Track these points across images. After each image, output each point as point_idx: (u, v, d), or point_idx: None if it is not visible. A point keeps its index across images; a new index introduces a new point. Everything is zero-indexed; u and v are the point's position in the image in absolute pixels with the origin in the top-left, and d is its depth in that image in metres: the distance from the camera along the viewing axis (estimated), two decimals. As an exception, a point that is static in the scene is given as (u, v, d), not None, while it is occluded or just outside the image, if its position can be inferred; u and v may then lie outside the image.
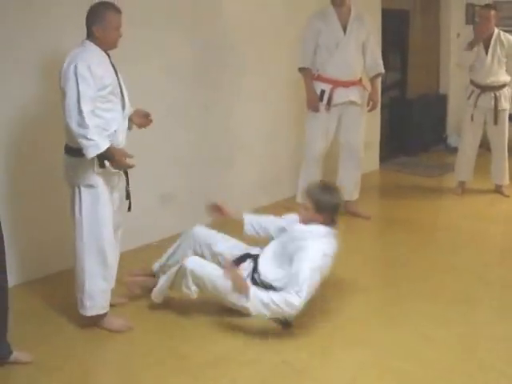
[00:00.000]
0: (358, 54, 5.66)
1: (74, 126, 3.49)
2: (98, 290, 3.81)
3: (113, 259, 3.93)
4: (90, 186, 3.71)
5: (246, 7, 5.98)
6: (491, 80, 6.58)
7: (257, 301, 3.69)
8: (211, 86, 5.74)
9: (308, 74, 5.74)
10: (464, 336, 3.83)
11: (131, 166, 3.72)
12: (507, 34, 6.62)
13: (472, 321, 4.04)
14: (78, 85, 3.49)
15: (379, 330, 3.92)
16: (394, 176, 7.90)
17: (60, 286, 4.50)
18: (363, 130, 5.95)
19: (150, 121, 4.07)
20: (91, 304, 3.82)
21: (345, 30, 5.61)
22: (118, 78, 3.80)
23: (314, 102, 5.70)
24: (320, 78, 5.68)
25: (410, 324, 3.99)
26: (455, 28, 9.41)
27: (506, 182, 6.96)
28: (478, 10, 6.68)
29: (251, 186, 6.25)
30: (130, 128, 3.99)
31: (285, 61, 6.31)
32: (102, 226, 3.76)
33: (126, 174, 3.90)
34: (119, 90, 3.80)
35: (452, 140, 9.39)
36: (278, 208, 5.86)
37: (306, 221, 4.05)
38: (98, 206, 3.75)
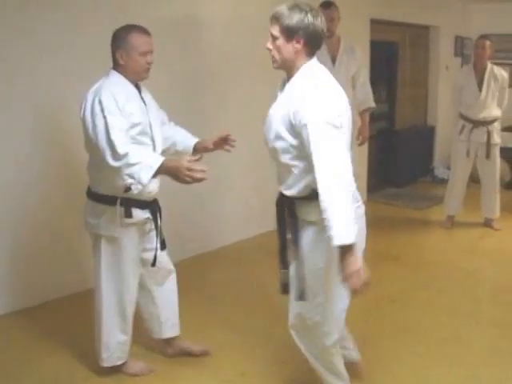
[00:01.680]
0: (347, 87, 5.47)
1: (110, 161, 3.07)
2: (115, 341, 3.59)
3: (132, 311, 3.63)
4: (113, 238, 3.39)
5: (227, 38, 5.91)
6: (484, 115, 6.58)
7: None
8: (194, 118, 5.62)
9: (296, 107, 5.57)
10: (456, 378, 3.72)
11: (202, 179, 3.03)
12: (499, 68, 6.66)
13: (463, 362, 3.92)
14: (105, 118, 3.09)
15: (370, 369, 3.76)
16: (382, 208, 7.85)
17: (43, 318, 4.41)
18: (354, 163, 5.83)
19: (230, 141, 3.72)
20: (107, 355, 3.61)
21: (334, 61, 5.46)
22: (148, 116, 3.38)
23: None
24: (308, 112, 5.51)
25: (401, 364, 3.88)
26: (444, 60, 9.51)
27: (497, 215, 6.92)
28: (475, 41, 6.68)
29: (236, 218, 6.15)
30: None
31: (270, 91, 6.22)
32: (123, 279, 3.49)
33: (156, 219, 3.50)
34: (150, 129, 3.36)
35: (439, 172, 9.39)
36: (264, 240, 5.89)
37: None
38: (121, 258, 3.45)
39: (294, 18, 2.80)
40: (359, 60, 5.69)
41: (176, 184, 3.09)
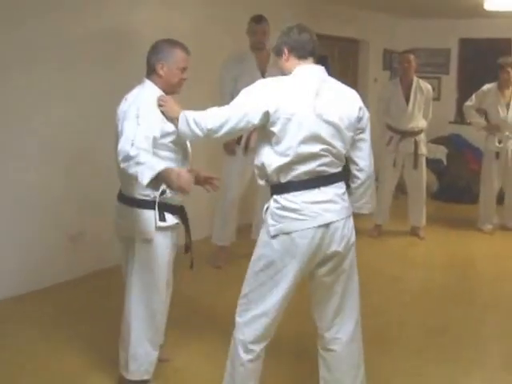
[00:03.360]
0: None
1: (122, 158, 3.01)
2: (143, 353, 3.46)
3: (163, 322, 3.59)
4: (147, 242, 3.34)
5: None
6: (411, 126, 6.79)
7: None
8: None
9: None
10: (379, 372, 3.84)
11: (186, 190, 3.00)
12: (424, 81, 6.92)
13: (386, 360, 4.08)
14: (137, 123, 3.12)
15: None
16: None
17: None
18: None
19: (214, 185, 3.66)
20: (135, 368, 3.47)
21: (263, 75, 5.38)
22: None
23: (231, 145, 5.58)
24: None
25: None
26: (373, 73, 9.68)
27: (423, 223, 7.12)
28: (398, 56, 6.91)
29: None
30: None
31: (200, 101, 6.18)
32: (154, 287, 3.43)
33: (187, 224, 3.55)
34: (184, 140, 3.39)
35: (368, 182, 9.49)
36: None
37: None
38: (154, 264, 3.39)
39: (278, 38, 3.14)
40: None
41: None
